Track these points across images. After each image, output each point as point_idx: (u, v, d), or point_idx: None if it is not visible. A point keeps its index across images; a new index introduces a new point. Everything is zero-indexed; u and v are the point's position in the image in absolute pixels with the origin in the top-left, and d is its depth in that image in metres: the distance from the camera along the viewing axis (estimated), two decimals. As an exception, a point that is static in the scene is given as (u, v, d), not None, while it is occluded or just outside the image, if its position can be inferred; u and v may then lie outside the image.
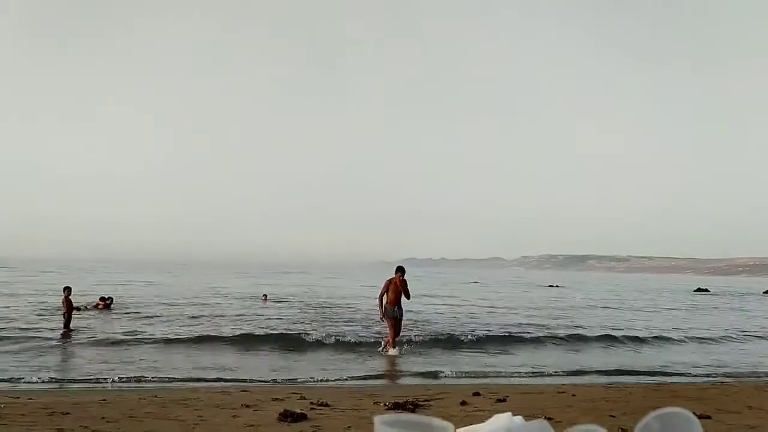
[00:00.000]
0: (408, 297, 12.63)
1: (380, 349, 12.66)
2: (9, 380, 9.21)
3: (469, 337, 15.09)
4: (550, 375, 10.86)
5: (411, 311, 16.45)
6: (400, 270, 12.73)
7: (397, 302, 12.51)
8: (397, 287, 12.48)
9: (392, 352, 12.46)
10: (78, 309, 14.98)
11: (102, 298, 20.31)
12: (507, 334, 15.96)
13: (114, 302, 20.42)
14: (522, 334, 16.09)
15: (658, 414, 0.86)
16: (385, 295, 12.56)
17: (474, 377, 10.35)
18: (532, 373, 11.04)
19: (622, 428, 4.43)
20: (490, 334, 15.94)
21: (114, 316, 18.27)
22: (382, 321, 12.75)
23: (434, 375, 10.49)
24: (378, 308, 12.73)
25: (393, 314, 12.46)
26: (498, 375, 10.75)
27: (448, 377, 10.32)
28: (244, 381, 9.42)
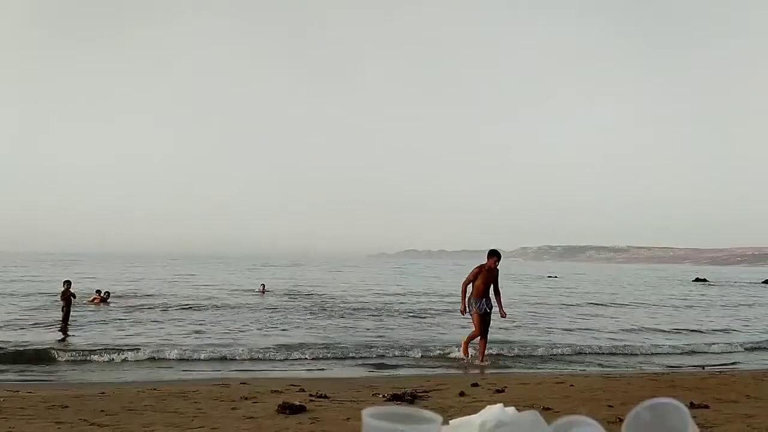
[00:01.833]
0: (498, 290, 10.43)
1: (465, 357, 10.62)
2: (8, 373, 9.23)
3: None
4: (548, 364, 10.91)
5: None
6: (495, 254, 10.35)
7: (484, 294, 10.36)
8: (488, 276, 10.32)
9: (463, 354, 10.56)
10: (74, 296, 14.97)
11: (98, 292, 20.32)
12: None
13: (110, 297, 20.44)
14: None
15: (648, 404, 0.86)
16: (471, 285, 10.39)
17: (473, 369, 10.38)
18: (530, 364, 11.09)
19: (619, 418, 4.43)
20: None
21: (110, 311, 18.27)
22: (464, 315, 10.56)
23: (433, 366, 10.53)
24: (461, 299, 10.45)
25: (480, 308, 10.25)
26: (496, 366, 10.78)
27: (447, 369, 10.35)
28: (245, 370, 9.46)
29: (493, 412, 1.02)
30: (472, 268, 10.45)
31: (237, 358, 10.96)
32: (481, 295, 10.28)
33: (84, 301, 18.90)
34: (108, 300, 20.06)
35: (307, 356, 11.24)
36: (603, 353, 12.42)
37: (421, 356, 11.43)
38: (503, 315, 10.53)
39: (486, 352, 10.63)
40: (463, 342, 10.82)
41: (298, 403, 5.60)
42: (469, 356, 10.63)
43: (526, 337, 14.39)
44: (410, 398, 6.19)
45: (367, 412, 0.78)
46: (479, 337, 10.51)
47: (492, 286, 10.35)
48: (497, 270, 10.37)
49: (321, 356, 11.30)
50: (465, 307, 10.33)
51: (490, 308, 10.37)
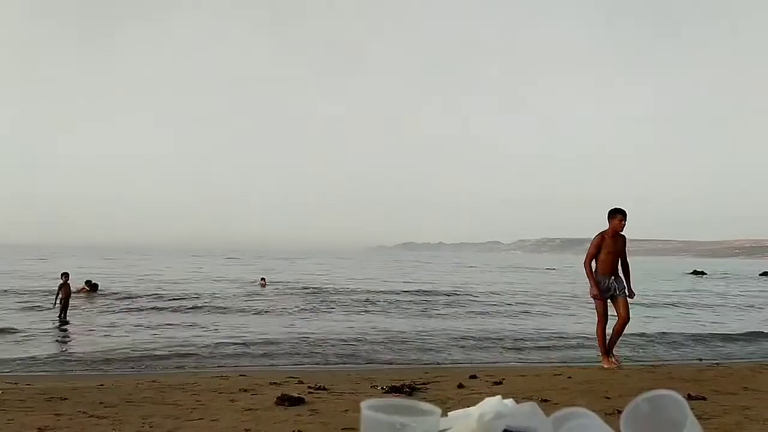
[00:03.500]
0: (626, 262, 7.97)
1: (608, 365, 7.96)
2: (7, 366, 9.24)
3: None
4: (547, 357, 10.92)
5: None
6: (619, 213, 7.83)
7: (613, 269, 7.82)
8: (615, 245, 7.81)
9: (606, 364, 7.93)
10: (75, 292, 14.99)
11: (87, 282, 20.33)
12: None
13: (99, 288, 20.47)
14: None
15: (646, 396, 0.86)
16: (594, 260, 7.88)
17: (472, 361, 10.40)
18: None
19: (617, 410, 4.45)
20: None
21: (102, 302, 18.25)
22: (596, 299, 7.84)
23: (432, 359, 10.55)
24: (588, 279, 7.78)
25: (608, 287, 7.79)
26: (495, 358, 10.80)
27: (446, 360, 10.37)
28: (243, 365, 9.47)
29: (492, 403, 1.02)
30: (593, 238, 7.92)
31: (236, 350, 10.97)
32: (610, 270, 7.77)
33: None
34: (96, 291, 20.09)
35: (306, 348, 11.25)
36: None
37: (421, 348, 11.46)
38: (631, 295, 7.95)
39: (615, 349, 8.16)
40: (600, 349, 8.09)
41: (296, 395, 5.61)
42: (615, 361, 8.12)
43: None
44: (409, 390, 6.20)
45: (365, 404, 0.78)
46: (599, 322, 7.90)
47: (621, 261, 7.88)
48: (624, 237, 7.93)
49: (320, 348, 11.31)
50: (597, 287, 7.70)
51: (621, 289, 7.81)
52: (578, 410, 0.92)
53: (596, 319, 7.96)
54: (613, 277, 7.77)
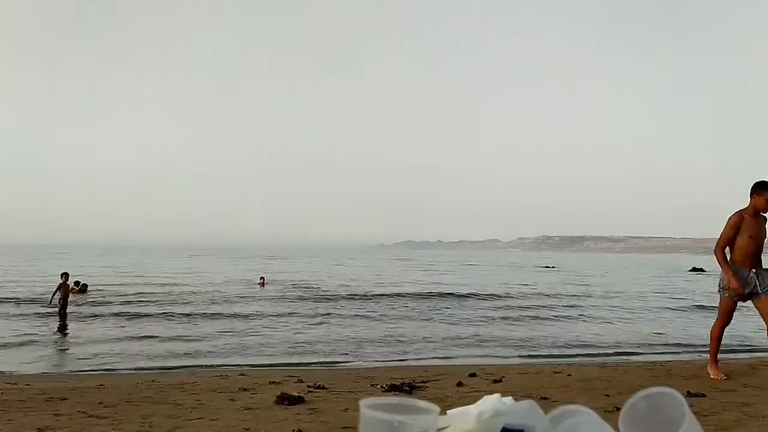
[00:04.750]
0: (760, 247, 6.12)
1: (716, 376, 6.42)
2: (7, 366, 9.24)
3: None
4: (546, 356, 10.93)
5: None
6: (763, 187, 5.96)
7: (753, 258, 6.03)
8: (758, 227, 6.06)
9: (712, 372, 6.43)
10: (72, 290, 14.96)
11: (76, 283, 20.31)
12: None
13: (89, 289, 20.48)
14: None
15: (645, 393, 0.86)
16: (729, 247, 6.14)
17: (472, 359, 10.41)
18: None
19: (616, 407, 4.44)
20: None
21: (99, 302, 18.25)
22: (743, 295, 6.03)
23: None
24: (724, 270, 6.03)
25: (749, 284, 6.00)
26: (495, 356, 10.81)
27: (446, 359, 10.39)
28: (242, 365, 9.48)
29: (490, 401, 1.02)
30: (728, 217, 6.08)
31: (235, 349, 10.98)
32: (750, 259, 6.05)
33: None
34: (86, 292, 20.09)
35: (305, 347, 11.26)
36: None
37: (421, 347, 11.47)
38: None
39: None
40: (710, 357, 6.55)
41: (296, 394, 5.61)
42: (721, 375, 6.42)
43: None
44: (408, 389, 6.20)
45: (364, 403, 0.78)
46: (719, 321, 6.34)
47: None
48: None
49: (319, 347, 11.32)
50: (736, 280, 5.94)
51: (765, 285, 5.98)
52: (576, 408, 0.92)
53: (717, 318, 6.37)
54: (754, 270, 6.01)
